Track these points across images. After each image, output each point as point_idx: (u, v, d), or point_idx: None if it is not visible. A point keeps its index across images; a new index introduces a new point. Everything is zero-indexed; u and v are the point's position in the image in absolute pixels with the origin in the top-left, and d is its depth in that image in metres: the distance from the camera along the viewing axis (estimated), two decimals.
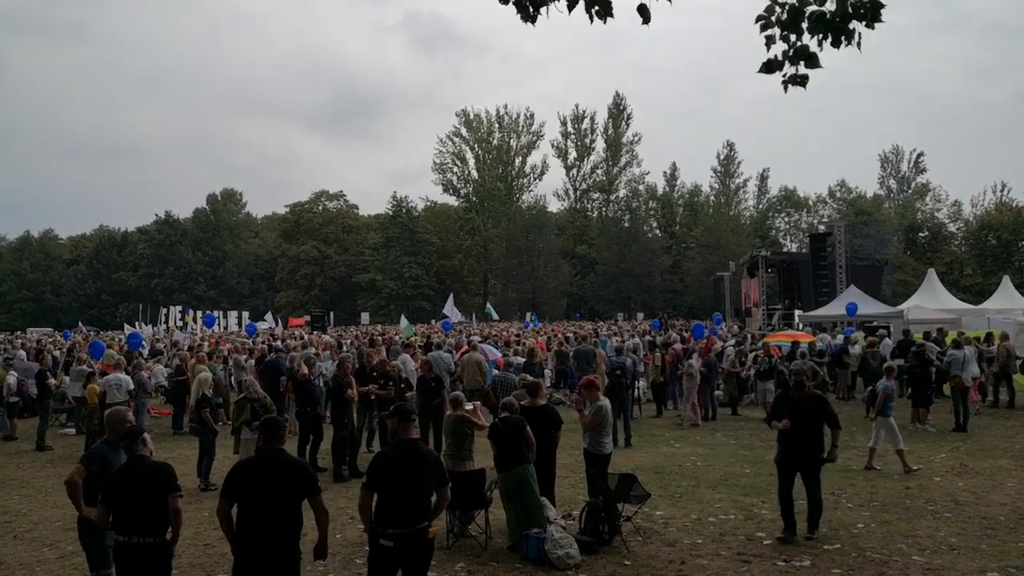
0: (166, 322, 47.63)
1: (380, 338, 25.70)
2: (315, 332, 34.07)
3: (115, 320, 75.60)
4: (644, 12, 4.71)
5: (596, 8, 4.83)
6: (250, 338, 29.08)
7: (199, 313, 49.68)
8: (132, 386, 14.18)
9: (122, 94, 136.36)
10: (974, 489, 9.76)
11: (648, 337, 24.16)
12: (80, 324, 52.67)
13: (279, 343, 23.38)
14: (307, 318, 49.75)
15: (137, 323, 50.43)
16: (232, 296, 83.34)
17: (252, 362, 18.04)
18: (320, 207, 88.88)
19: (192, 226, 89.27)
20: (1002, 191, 70.15)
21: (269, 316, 50.61)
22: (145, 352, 22.98)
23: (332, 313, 60.13)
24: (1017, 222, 61.93)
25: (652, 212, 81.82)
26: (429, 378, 12.83)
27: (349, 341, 27.33)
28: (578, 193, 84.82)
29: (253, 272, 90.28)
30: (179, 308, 52.09)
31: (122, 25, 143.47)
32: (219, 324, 47.07)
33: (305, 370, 13.33)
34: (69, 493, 5.70)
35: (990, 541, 7.62)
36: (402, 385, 13.19)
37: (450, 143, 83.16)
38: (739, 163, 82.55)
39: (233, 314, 57.05)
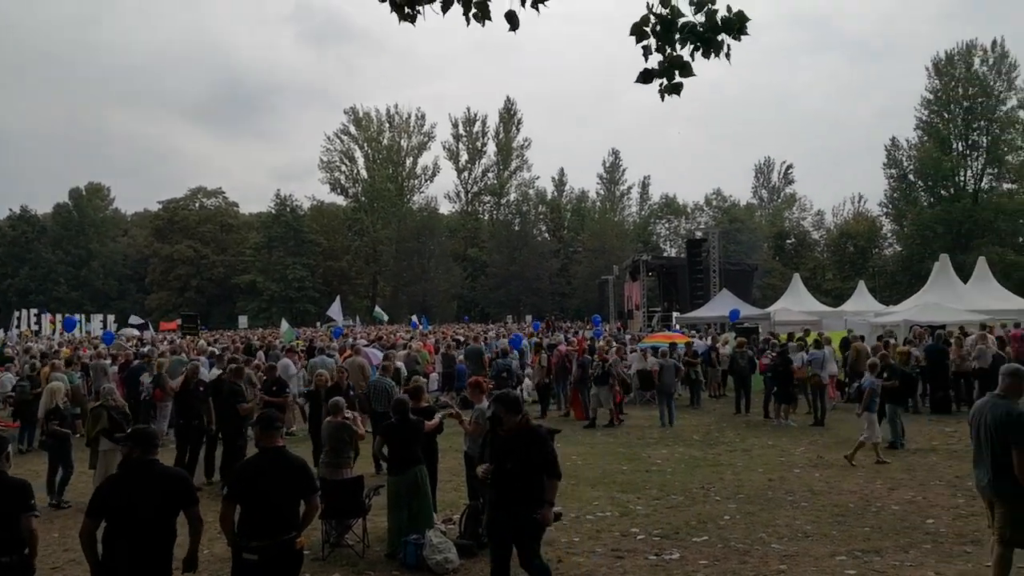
0: (19, 327, 44.04)
1: (258, 343, 24.84)
2: (187, 336, 32.44)
3: None
4: (512, 19, 4.79)
5: (474, 11, 4.85)
6: (107, 347, 27.23)
7: (59, 316, 46.33)
8: None
9: None
10: (828, 479, 10.44)
11: (535, 339, 24.50)
12: None
13: (147, 348, 22.13)
14: (179, 321, 47.31)
15: None
16: (98, 298, 78.35)
17: (116, 369, 17.01)
18: (197, 204, 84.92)
19: (52, 223, 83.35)
20: (859, 202, 76.02)
21: (135, 319, 47.61)
22: None
23: (203, 316, 57.38)
24: (871, 231, 66.97)
25: (542, 216, 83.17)
26: (347, 386, 12.41)
27: (223, 347, 26.19)
28: (469, 196, 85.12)
29: (121, 273, 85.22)
30: (34, 311, 48.44)
31: None
32: (80, 328, 43.97)
33: (169, 381, 12.64)
34: None
35: (840, 527, 8.17)
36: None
37: (339, 141, 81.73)
38: (624, 170, 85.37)
39: (98, 317, 53.58)
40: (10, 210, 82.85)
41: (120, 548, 4.68)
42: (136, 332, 38.81)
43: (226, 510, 5.09)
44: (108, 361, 17.77)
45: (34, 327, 43.55)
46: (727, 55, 4.79)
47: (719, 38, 4.77)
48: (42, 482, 10.36)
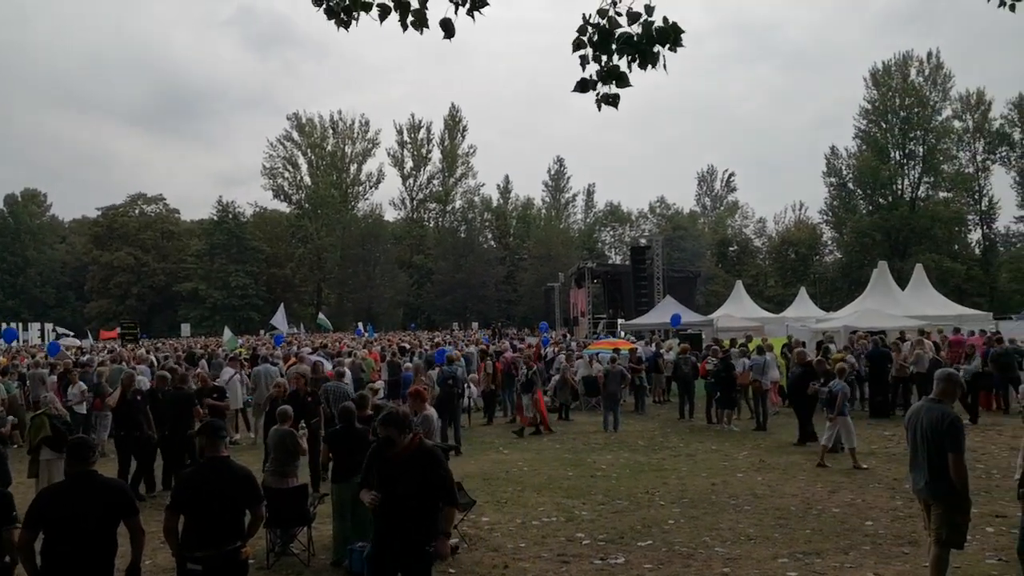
0: None
1: (201, 351, 24.28)
2: (127, 345, 31.53)
3: None
4: (448, 27, 4.82)
5: (411, 19, 4.88)
6: (52, 357, 26.42)
7: None
8: None
9: None
10: (770, 483, 10.67)
11: (480, 346, 24.50)
12: None
13: (86, 357, 21.46)
14: (119, 330, 45.96)
15: None
16: (35, 306, 75.89)
17: (54, 378, 16.47)
18: (137, 211, 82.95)
19: None
20: (800, 210, 78.13)
21: (61, 328, 46.01)
22: None
23: (145, 324, 55.85)
24: (812, 238, 68.89)
25: (487, 223, 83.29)
26: (305, 393, 12.08)
27: (164, 355, 25.55)
28: (415, 203, 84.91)
29: (59, 280, 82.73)
30: None
31: None
32: (19, 338, 42.39)
33: (111, 390, 12.26)
34: None
35: (782, 530, 8.35)
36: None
37: (281, 147, 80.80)
38: (568, 178, 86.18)
39: (35, 326, 51.75)
40: None
41: (59, 560, 4.60)
42: (77, 341, 37.59)
43: (169, 520, 5.01)
44: (47, 371, 17.19)
45: None
46: (664, 66, 4.89)
47: (655, 49, 4.86)
48: None
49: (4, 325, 42.48)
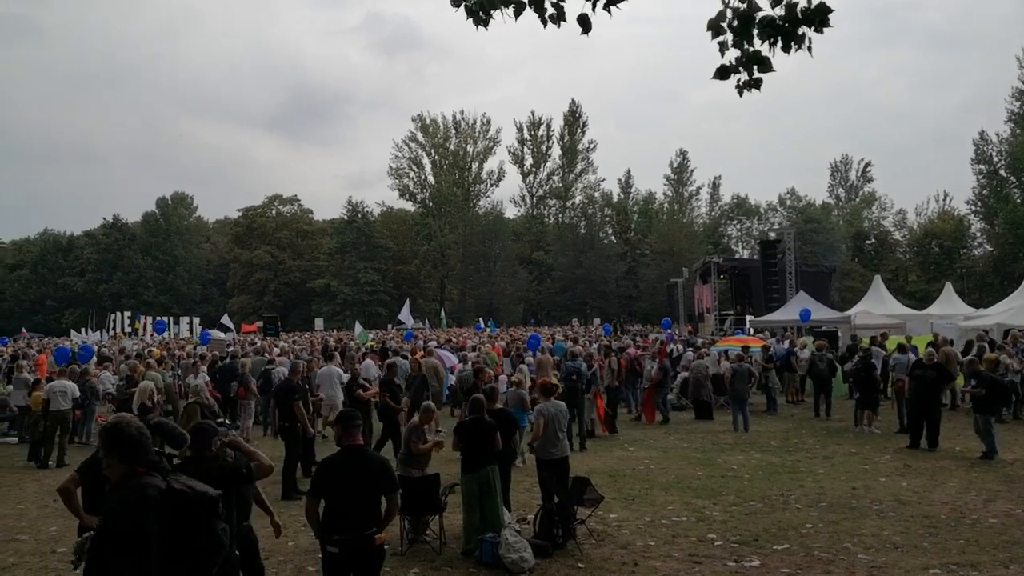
0: (114, 328, 46.41)
1: (334, 344, 25.43)
2: (268, 338, 33.51)
3: (60, 327, 73.43)
4: (584, 23, 4.79)
5: (550, 13, 4.88)
6: (203, 346, 28.44)
7: (150, 319, 48.51)
8: (78, 393, 13.82)
9: (69, 94, 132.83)
10: (917, 489, 10.02)
11: (604, 342, 24.34)
12: (24, 331, 51.07)
13: (231, 349, 22.99)
14: (259, 324, 48.94)
15: (84, 329, 48.99)
16: (183, 302, 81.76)
17: (204, 368, 17.70)
18: (274, 211, 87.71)
19: (141, 230, 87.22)
20: (945, 200, 72.71)
21: (227, 319, 49.32)
22: (94, 360, 22.34)
23: (281, 319, 59.15)
24: (959, 231, 64.06)
25: (608, 219, 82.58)
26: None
27: (301, 348, 26.95)
28: (535, 199, 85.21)
29: (205, 278, 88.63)
30: (128, 314, 50.82)
31: (71, 24, 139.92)
32: (169, 331, 46.03)
33: (252, 381, 13.03)
34: (64, 500, 5.64)
35: (932, 539, 7.83)
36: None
37: (406, 148, 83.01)
38: (692, 171, 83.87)
39: (185, 320, 55.92)
40: (104, 219, 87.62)
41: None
42: (222, 334, 40.36)
43: (310, 504, 5.28)
44: (197, 361, 18.50)
45: (127, 329, 45.66)
46: (808, 48, 4.67)
47: (799, 31, 4.65)
48: None
49: (157, 319, 46.24)
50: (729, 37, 4.77)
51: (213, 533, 3.60)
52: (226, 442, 5.41)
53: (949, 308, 29.37)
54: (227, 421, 11.58)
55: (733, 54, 4.79)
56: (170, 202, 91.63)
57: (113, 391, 17.80)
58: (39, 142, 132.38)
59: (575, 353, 16.05)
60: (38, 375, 15.94)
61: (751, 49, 4.77)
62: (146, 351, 23.04)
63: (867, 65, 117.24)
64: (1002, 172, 59.18)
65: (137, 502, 3.37)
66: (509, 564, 7.16)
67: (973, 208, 63.20)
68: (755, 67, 4.79)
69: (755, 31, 4.69)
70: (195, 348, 25.23)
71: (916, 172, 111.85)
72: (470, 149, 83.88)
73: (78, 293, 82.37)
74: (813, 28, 4.57)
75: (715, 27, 4.75)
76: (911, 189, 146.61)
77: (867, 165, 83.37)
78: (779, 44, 4.69)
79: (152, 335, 42.80)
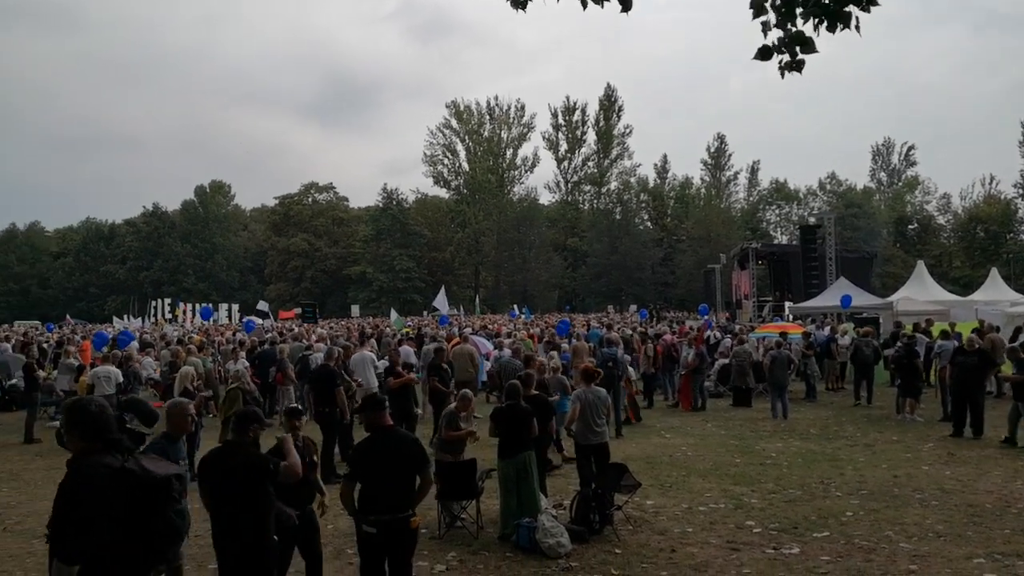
0: (155, 315, 47.41)
1: (370, 330, 25.66)
2: (306, 324, 33.96)
3: (103, 313, 75.24)
4: (625, 0, 4.73)
5: None
6: (247, 334, 28.85)
7: (191, 306, 49.42)
8: (121, 379, 14.14)
9: (110, 84, 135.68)
10: (960, 477, 9.83)
11: (640, 328, 24.20)
12: (68, 317, 52.40)
13: (269, 334, 23.33)
14: (297, 310, 49.57)
15: (126, 316, 50.10)
16: (222, 289, 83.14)
17: (243, 354, 17.98)
18: (310, 199, 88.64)
19: (180, 218, 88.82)
20: (991, 184, 70.77)
21: (263, 305, 50.01)
22: (135, 345, 22.85)
23: (318, 305, 59.82)
24: (1005, 215, 62.34)
25: (643, 205, 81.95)
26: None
27: (337, 334, 27.22)
28: (569, 185, 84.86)
29: (243, 265, 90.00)
30: (168, 301, 51.82)
31: (112, 14, 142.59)
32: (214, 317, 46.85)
33: (290, 367, 13.18)
34: None
35: (976, 528, 7.68)
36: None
37: (441, 135, 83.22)
38: (730, 155, 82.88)
39: (224, 306, 56.90)
40: (144, 207, 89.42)
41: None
42: (259, 320, 40.96)
43: (345, 487, 5.37)
44: (236, 346, 18.79)
45: (167, 316, 46.58)
46: (856, 27, 4.56)
47: (846, 9, 4.54)
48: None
49: (202, 305, 47.06)
50: (772, 16, 4.68)
51: (165, 517, 3.62)
52: (278, 438, 5.48)
53: (995, 294, 28.59)
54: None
55: (776, 34, 4.70)
56: (208, 190, 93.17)
57: (156, 376, 18.19)
58: (81, 131, 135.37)
59: (611, 340, 15.98)
60: (82, 361, 16.33)
61: (794, 29, 4.68)
62: (186, 337, 23.47)
63: (912, 46, 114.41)
64: None
65: (85, 480, 3.42)
66: (546, 549, 7.18)
67: (1021, 192, 61.50)
68: (798, 48, 4.69)
69: (799, 10, 4.60)
70: (234, 334, 25.66)
71: (961, 156, 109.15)
72: (504, 135, 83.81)
73: (120, 280, 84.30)
74: (861, 7, 4.46)
75: (758, 6, 4.67)
76: (956, 173, 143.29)
77: (910, 148, 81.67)
78: (824, 24, 4.59)
79: (192, 321, 43.53)
